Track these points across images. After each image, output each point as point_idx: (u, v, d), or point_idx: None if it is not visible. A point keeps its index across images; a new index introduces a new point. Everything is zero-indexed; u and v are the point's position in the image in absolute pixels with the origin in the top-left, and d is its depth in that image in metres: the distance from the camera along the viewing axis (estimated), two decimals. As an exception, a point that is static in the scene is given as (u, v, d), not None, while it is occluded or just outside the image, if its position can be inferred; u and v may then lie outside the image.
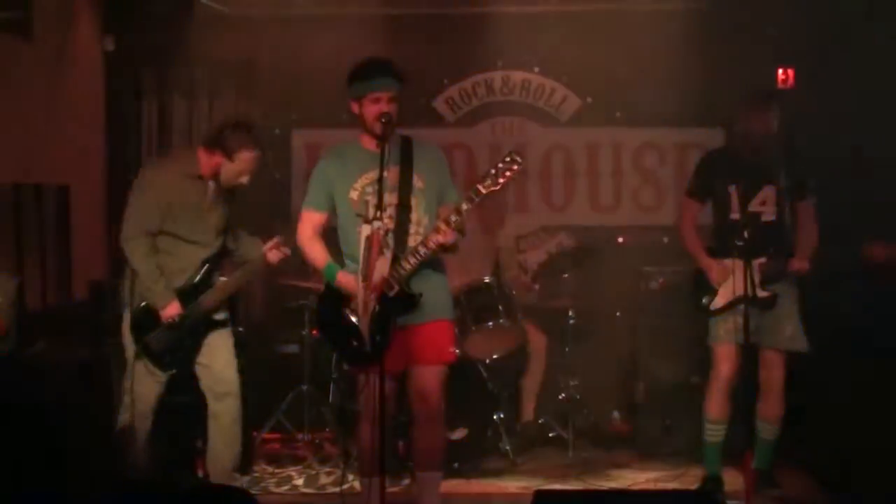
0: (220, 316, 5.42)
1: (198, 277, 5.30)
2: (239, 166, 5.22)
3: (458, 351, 6.21)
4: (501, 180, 4.51)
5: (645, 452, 6.57)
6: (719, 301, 5.55)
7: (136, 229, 5.18)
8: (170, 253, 5.24)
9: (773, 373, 5.59)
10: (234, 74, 7.62)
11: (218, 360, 5.39)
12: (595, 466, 6.38)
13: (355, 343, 4.70)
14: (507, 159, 4.53)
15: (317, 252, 4.86)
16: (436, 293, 4.82)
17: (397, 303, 4.62)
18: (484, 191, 4.52)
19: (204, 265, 5.31)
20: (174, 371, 5.33)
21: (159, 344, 5.25)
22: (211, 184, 5.27)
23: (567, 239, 7.14)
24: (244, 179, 5.29)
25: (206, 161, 5.25)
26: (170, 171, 5.26)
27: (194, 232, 5.26)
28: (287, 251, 5.45)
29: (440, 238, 4.57)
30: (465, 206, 4.54)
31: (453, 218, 4.55)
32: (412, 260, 4.62)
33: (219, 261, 5.41)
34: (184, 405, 5.51)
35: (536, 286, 6.99)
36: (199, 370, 5.40)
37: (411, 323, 4.71)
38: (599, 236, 7.56)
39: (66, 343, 5.54)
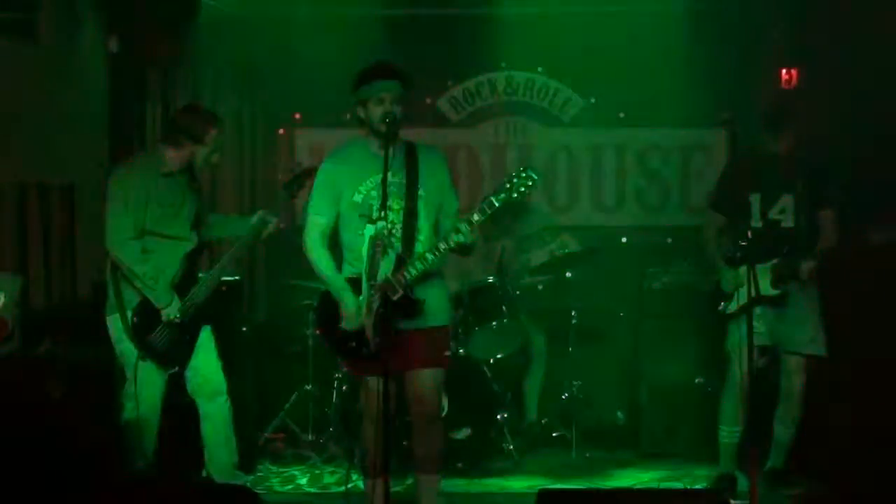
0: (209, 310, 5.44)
1: (182, 273, 5.31)
2: (211, 146, 5.35)
3: (461, 351, 6.29)
4: (515, 195, 4.53)
5: (648, 452, 6.57)
6: (734, 306, 5.59)
7: (124, 233, 5.18)
8: (153, 251, 5.25)
9: (792, 377, 5.58)
10: (237, 75, 7.65)
11: (204, 360, 5.42)
12: (598, 466, 6.38)
13: (355, 344, 4.72)
14: (523, 174, 4.53)
15: (324, 262, 4.83)
16: (435, 298, 4.81)
17: (400, 307, 4.62)
18: (497, 203, 4.53)
19: (187, 260, 5.34)
20: (176, 369, 5.35)
21: (162, 343, 5.26)
22: (181, 178, 5.33)
23: (570, 241, 7.14)
24: (216, 158, 5.46)
25: (175, 155, 5.31)
26: (142, 172, 5.29)
27: (172, 228, 5.29)
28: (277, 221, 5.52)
29: (461, 238, 4.58)
30: (476, 217, 4.55)
31: (464, 227, 4.56)
32: (419, 266, 4.64)
33: (199, 255, 5.47)
34: (187, 404, 5.51)
35: (540, 286, 6.99)
36: (186, 373, 5.42)
37: (410, 327, 4.70)
38: (603, 237, 7.56)
39: (71, 342, 5.54)
